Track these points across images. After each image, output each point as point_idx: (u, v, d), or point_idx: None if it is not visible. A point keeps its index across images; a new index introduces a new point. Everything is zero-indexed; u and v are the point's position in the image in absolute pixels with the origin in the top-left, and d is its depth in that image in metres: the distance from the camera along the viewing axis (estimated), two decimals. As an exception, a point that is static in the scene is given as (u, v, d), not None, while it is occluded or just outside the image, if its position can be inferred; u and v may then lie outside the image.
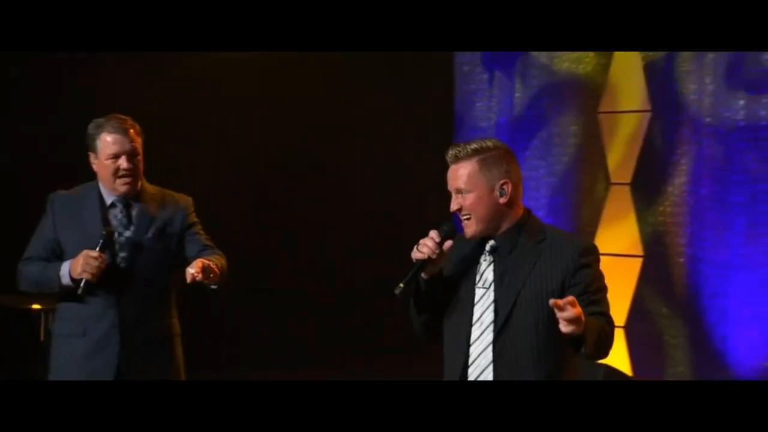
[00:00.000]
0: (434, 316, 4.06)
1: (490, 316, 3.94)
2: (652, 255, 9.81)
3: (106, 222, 5.12)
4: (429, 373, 4.78)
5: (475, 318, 3.97)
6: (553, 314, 3.71)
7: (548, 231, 4.06)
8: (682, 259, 9.56)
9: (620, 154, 10.15)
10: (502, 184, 3.87)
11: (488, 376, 3.94)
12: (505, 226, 3.96)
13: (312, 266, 11.12)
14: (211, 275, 4.83)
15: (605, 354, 3.94)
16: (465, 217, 3.96)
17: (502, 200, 3.89)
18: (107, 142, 5.01)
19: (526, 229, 3.99)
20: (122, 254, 5.06)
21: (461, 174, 3.95)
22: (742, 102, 9.35)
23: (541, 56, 10.62)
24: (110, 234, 5.07)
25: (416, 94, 10.79)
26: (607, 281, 9.18)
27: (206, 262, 4.87)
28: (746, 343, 9.00)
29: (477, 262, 4.04)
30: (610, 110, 10.21)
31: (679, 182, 9.67)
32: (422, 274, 3.95)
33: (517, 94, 10.59)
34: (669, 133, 9.76)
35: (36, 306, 8.47)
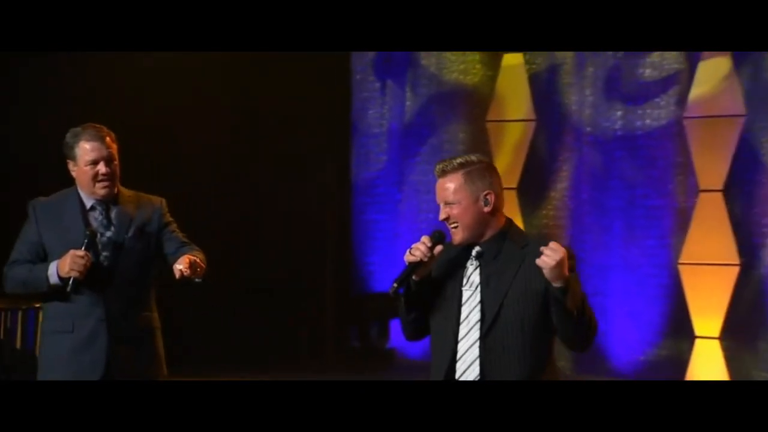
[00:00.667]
0: (422, 315, 4.24)
1: (476, 315, 4.16)
2: None
3: (87, 224, 5.26)
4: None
5: (462, 317, 4.17)
6: (537, 314, 4.02)
7: (530, 238, 4.30)
8: (564, 260, 10.20)
9: (507, 161, 10.58)
10: (486, 195, 4.07)
11: (475, 370, 4.14)
12: (489, 233, 4.16)
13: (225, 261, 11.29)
14: (198, 270, 4.99)
15: (590, 328, 4.14)
16: (453, 225, 4.13)
17: (486, 209, 4.09)
18: (86, 149, 5.19)
19: (509, 236, 4.20)
20: (105, 253, 5.22)
21: (448, 187, 4.14)
22: (619, 113, 9.99)
23: (431, 66, 11.04)
24: (93, 235, 5.22)
25: (319, 100, 10.94)
26: None
27: (192, 258, 5.03)
28: (624, 338, 9.64)
29: (464, 266, 4.21)
30: (497, 119, 10.74)
31: (561, 187, 10.21)
32: (413, 276, 4.15)
33: (408, 103, 11.05)
34: (552, 142, 10.34)
35: None
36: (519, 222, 10.33)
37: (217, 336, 10.68)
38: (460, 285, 4.12)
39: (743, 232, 9.88)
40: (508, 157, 10.94)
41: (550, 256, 3.93)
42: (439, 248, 4.03)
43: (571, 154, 10.37)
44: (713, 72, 10.25)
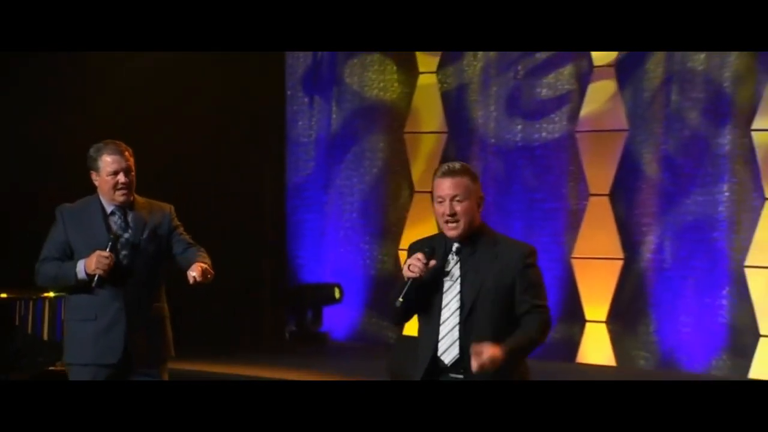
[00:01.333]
0: (412, 306, 4.58)
1: (456, 303, 4.49)
2: None
3: (108, 227, 5.77)
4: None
5: (443, 304, 4.49)
6: (507, 306, 4.46)
7: (499, 238, 4.62)
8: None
9: (422, 168, 11.46)
10: (480, 198, 4.45)
11: (455, 350, 4.48)
12: (469, 232, 4.47)
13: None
14: (208, 276, 5.51)
15: (542, 337, 4.61)
16: (455, 219, 4.41)
17: (478, 210, 4.47)
18: (107, 161, 5.64)
19: (483, 236, 4.52)
20: (123, 252, 5.69)
21: (459, 184, 4.42)
22: (519, 127, 10.87)
23: (354, 84, 11.87)
24: (116, 238, 5.69)
25: (257, 112, 11.59)
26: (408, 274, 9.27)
27: (203, 266, 5.52)
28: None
29: (445, 260, 4.52)
30: (413, 131, 11.58)
31: None
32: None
33: (333, 116, 11.87)
34: (461, 151, 11.14)
35: (3, 295, 9.01)
36: (432, 222, 10.78)
37: (172, 325, 11.20)
38: (442, 276, 4.51)
39: (626, 231, 10.66)
40: (423, 164, 11.67)
41: (479, 365, 4.31)
42: (432, 262, 4.43)
43: (478, 162, 11.02)
44: (601, 92, 10.91)
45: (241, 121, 11.77)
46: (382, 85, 11.98)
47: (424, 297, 4.57)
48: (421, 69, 12.30)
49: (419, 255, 4.42)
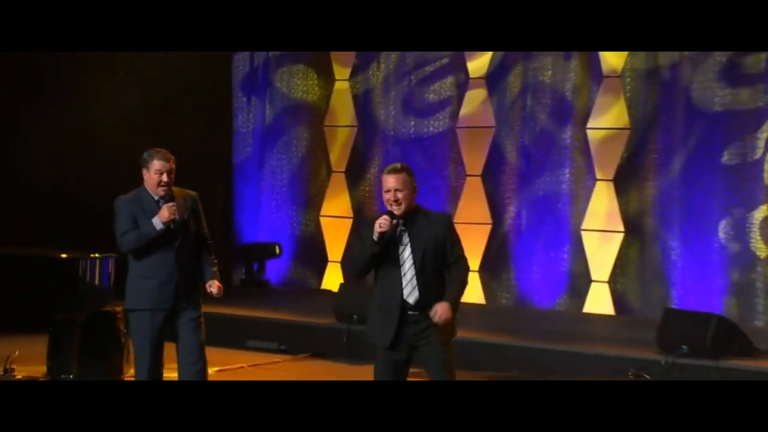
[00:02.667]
0: (372, 264, 5.48)
1: (410, 260, 5.40)
2: (359, 218, 12.56)
3: (159, 208, 6.51)
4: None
5: (401, 262, 5.41)
6: (441, 255, 5.35)
7: (427, 211, 5.51)
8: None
9: (338, 154, 13.16)
10: (414, 188, 5.34)
11: (415, 293, 5.36)
12: (408, 210, 5.34)
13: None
14: (221, 291, 6.51)
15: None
16: (398, 203, 5.30)
17: (413, 195, 5.35)
18: (156, 165, 6.43)
19: (418, 212, 5.40)
20: (172, 227, 6.44)
21: (399, 179, 5.33)
22: (412, 123, 12.66)
23: (283, 87, 13.36)
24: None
25: (210, 107, 12.90)
26: (328, 237, 11.52)
27: (219, 285, 6.50)
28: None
29: (395, 233, 5.38)
30: (331, 125, 13.23)
31: (373, 172, 12.71)
32: (384, 237, 5.35)
33: (267, 112, 13.43)
34: (368, 141, 12.93)
35: (64, 255, 9.25)
36: (346, 195, 12.96)
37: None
38: (396, 243, 5.41)
39: (493, 203, 12.17)
40: (339, 151, 13.50)
41: (441, 320, 5.21)
42: (395, 222, 5.30)
43: (380, 150, 13.00)
44: (475, 98, 12.49)
45: (199, 115, 12.90)
46: (306, 88, 13.66)
47: (383, 259, 5.47)
48: (336, 77, 13.55)
49: (386, 216, 5.31)
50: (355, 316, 10.01)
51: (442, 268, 5.50)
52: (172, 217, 6.37)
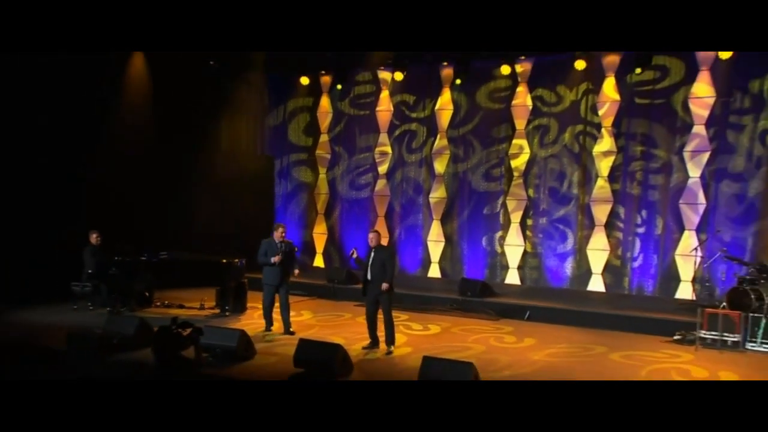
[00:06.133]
0: (359, 266, 8.33)
1: (373, 267, 8.79)
2: (330, 234, 16.73)
3: (278, 248, 9.63)
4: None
5: (369, 266, 8.66)
6: (384, 265, 8.67)
7: (384, 245, 8.13)
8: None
9: (320, 205, 16.93)
10: (381, 237, 7.88)
11: (369, 274, 8.53)
12: (376, 245, 8.41)
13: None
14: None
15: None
16: (372, 244, 8.53)
17: (382, 240, 8.36)
18: (278, 231, 9.25)
19: (380, 245, 8.43)
20: (282, 256, 9.29)
21: (375, 235, 8.46)
22: (353, 193, 16.17)
23: (295, 175, 16.86)
24: (282, 252, 9.52)
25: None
26: (316, 243, 18.77)
27: (297, 271, 8.97)
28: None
29: (369, 253, 8.42)
30: (317, 192, 16.79)
31: (336, 214, 16.75)
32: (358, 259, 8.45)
33: (288, 186, 17.21)
34: (333, 200, 16.48)
35: (223, 260, 12.44)
36: (324, 224, 16.87)
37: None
38: (368, 258, 8.62)
39: (391, 230, 15.62)
40: (321, 204, 17.01)
41: (385, 289, 7.99)
42: (355, 253, 8.57)
43: (339, 204, 16.34)
44: (381, 184, 16.27)
45: (257, 188, 16.55)
46: (306, 176, 17.54)
47: (363, 265, 8.67)
48: (320, 171, 17.00)
49: (354, 251, 8.68)
50: (336, 280, 15.11)
51: (384, 270, 8.99)
52: (276, 260, 10.11)
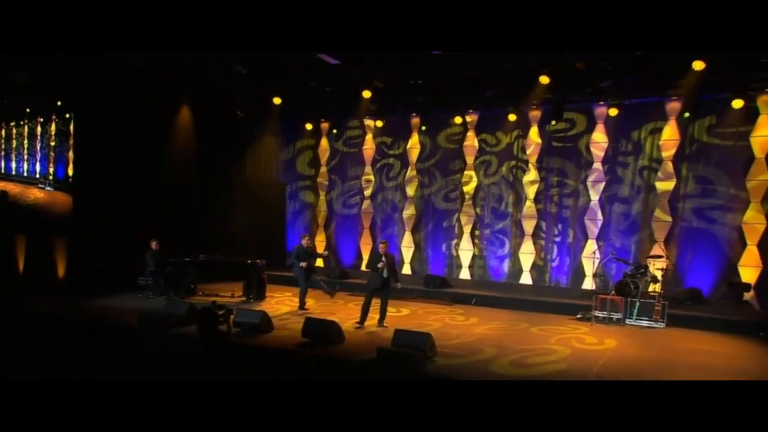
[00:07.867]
0: (381, 270, 7.68)
1: (385, 271, 8.44)
2: (328, 241, 16.87)
3: (307, 252, 9.48)
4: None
5: (382, 270, 8.27)
6: (392, 269, 8.36)
7: (389, 253, 7.63)
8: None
9: (321, 219, 16.88)
10: (387, 246, 7.17)
11: (385, 274, 7.78)
12: (385, 252, 7.79)
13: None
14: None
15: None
16: (383, 250, 8.09)
17: (387, 248, 7.47)
18: (305, 239, 8.65)
19: (388, 253, 8.09)
20: (309, 260, 9.07)
21: (384, 244, 7.73)
22: (346, 210, 15.98)
23: (301, 197, 16.75)
24: (312, 256, 9.37)
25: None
26: (318, 248, 17.08)
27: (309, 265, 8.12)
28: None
29: (381, 258, 8.15)
30: (318, 211, 16.29)
31: (333, 226, 16.84)
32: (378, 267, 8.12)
33: (296, 205, 17.06)
34: (330, 216, 16.13)
35: (248, 261, 12.22)
36: (323, 234, 16.85)
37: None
38: (382, 263, 8.41)
39: (374, 239, 15.49)
40: (321, 219, 16.77)
41: (396, 287, 7.72)
42: (381, 264, 8.04)
43: (335, 219, 16.18)
44: (366, 204, 16.14)
45: (275, 208, 16.00)
46: (310, 198, 17.09)
47: (376, 270, 8.49)
48: (320, 195, 16.87)
49: (381, 262, 7.92)
50: (338, 284, 14.02)
51: (392, 273, 8.96)
52: (305, 265, 10.03)
